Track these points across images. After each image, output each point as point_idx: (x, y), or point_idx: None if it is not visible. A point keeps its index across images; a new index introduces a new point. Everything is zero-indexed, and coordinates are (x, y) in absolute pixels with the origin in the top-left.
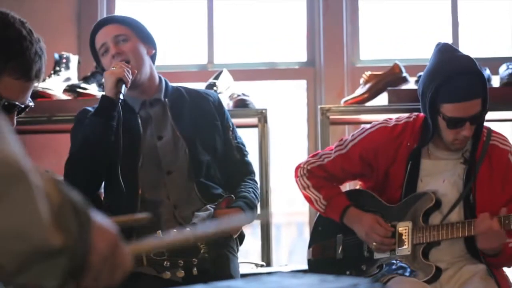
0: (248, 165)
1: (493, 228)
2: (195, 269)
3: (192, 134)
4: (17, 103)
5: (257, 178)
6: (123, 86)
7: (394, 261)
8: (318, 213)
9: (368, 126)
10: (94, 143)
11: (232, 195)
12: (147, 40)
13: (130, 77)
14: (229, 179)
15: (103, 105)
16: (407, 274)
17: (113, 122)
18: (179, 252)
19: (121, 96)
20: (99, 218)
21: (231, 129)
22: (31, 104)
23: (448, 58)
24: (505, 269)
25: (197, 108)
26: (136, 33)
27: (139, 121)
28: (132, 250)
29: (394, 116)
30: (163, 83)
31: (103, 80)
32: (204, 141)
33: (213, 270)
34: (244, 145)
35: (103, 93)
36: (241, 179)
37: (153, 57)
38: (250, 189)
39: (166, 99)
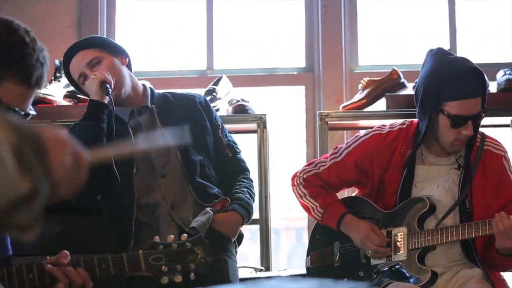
0: (241, 162)
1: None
2: (193, 274)
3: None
4: (17, 109)
5: (255, 183)
6: (107, 86)
7: (391, 267)
8: (316, 221)
9: (362, 133)
10: (86, 147)
11: (227, 198)
12: (118, 52)
13: (111, 79)
14: (223, 177)
15: (91, 108)
16: (404, 279)
17: (103, 124)
18: (176, 257)
19: (110, 91)
20: (48, 130)
21: (220, 127)
22: (33, 112)
23: (448, 59)
24: (502, 273)
25: (184, 111)
26: (105, 50)
27: (130, 130)
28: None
29: (392, 121)
30: (148, 90)
31: (88, 89)
32: (195, 142)
33: (211, 274)
34: (235, 143)
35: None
36: (235, 177)
37: (128, 66)
38: (245, 189)
39: (153, 105)
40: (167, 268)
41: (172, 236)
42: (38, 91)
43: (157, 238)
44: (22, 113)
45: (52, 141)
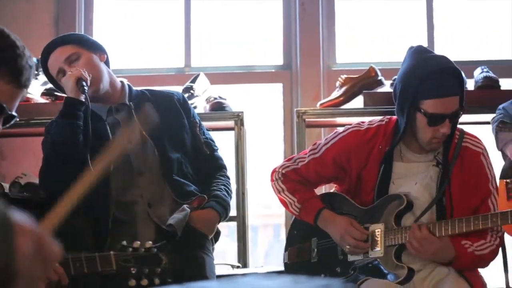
0: (218, 159)
1: (417, 237)
2: (157, 279)
3: (160, 133)
4: (4, 105)
5: (233, 180)
6: (84, 84)
7: (368, 263)
8: (294, 217)
9: (341, 129)
10: (62, 144)
11: (205, 195)
12: (96, 48)
13: (87, 76)
14: (201, 175)
15: (66, 106)
16: (381, 276)
17: (79, 121)
18: (144, 260)
19: (86, 88)
20: (17, 217)
21: (198, 125)
22: (16, 116)
23: (426, 57)
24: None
25: (162, 108)
26: (83, 47)
27: (108, 128)
28: (47, 227)
29: (369, 119)
30: (126, 88)
31: (64, 85)
32: (172, 140)
33: (188, 271)
34: (212, 140)
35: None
36: (212, 175)
37: (107, 63)
38: (222, 187)
39: (131, 103)
40: (135, 270)
41: (139, 242)
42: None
43: (125, 242)
44: (9, 112)
45: (22, 228)
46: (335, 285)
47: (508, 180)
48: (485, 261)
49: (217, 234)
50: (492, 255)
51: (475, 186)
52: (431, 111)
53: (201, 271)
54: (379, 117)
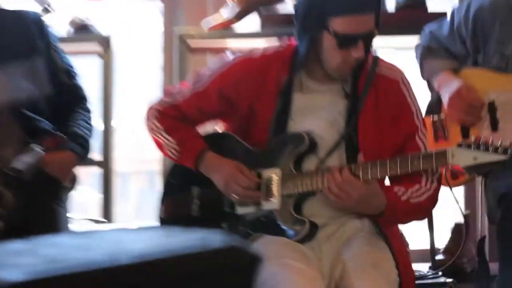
0: (78, 89)
1: (337, 181)
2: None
3: (8, 58)
4: None
5: (98, 116)
6: None
7: (262, 217)
8: (172, 163)
9: (229, 57)
10: None
11: (60, 134)
12: None
13: None
14: (57, 108)
15: None
16: (277, 232)
17: None
18: None
19: None
20: None
21: (55, 48)
22: None
23: None
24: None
25: (12, 29)
26: None
27: None
28: None
29: (266, 43)
30: None
31: None
32: (23, 66)
33: (35, 223)
34: (72, 67)
35: None
36: (70, 108)
37: None
38: (81, 121)
39: None
40: None
41: None
42: None
43: None
44: None
45: None
46: (213, 237)
47: (435, 118)
48: (423, 210)
49: (74, 180)
50: (430, 203)
51: (396, 121)
52: (342, 31)
53: (53, 224)
54: (276, 43)
